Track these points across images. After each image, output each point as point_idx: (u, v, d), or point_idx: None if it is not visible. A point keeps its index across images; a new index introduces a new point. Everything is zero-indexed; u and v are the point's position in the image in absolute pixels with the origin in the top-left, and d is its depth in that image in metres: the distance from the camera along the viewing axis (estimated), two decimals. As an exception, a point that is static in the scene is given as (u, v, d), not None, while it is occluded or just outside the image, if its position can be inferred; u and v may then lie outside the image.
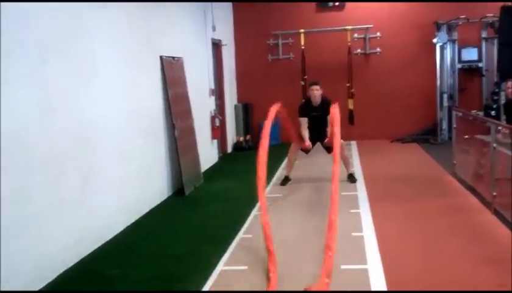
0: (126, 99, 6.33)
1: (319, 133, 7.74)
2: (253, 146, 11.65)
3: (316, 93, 7.78)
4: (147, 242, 5.66)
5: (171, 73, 7.71)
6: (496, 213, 5.82)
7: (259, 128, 12.29)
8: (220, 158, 10.57)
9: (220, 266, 4.73)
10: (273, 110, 6.81)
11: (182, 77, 8.23)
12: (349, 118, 11.57)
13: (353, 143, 11.58)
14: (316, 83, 7.87)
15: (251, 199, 6.96)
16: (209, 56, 10.09)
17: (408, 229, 5.65)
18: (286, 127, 8.25)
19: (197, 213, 6.74)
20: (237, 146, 11.65)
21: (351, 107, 11.60)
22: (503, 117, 7.00)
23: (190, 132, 8.28)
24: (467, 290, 4.02)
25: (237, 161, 10.54)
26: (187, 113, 8.21)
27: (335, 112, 7.02)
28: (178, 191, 7.73)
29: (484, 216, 5.92)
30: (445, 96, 11.41)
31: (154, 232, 6.02)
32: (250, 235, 5.58)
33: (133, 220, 6.33)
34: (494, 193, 5.88)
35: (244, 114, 12.13)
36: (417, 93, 11.96)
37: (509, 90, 6.41)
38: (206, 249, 5.25)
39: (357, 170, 8.72)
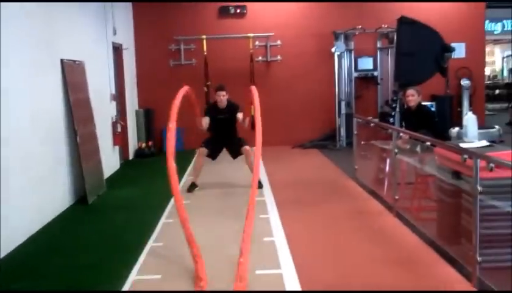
0: (24, 103, 5.98)
1: (225, 136, 7.76)
2: (156, 152, 11.50)
3: (223, 98, 7.82)
4: (52, 253, 5.38)
5: (72, 77, 7.41)
6: (398, 215, 6.08)
7: (162, 134, 12.19)
8: (122, 165, 10.29)
9: (133, 276, 4.59)
10: (181, 92, 6.53)
11: (84, 82, 7.94)
12: (251, 124, 11.65)
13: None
14: (221, 89, 7.89)
15: (157, 207, 6.86)
16: (110, 60, 9.80)
17: (317, 233, 5.78)
18: (194, 112, 8.04)
19: (103, 222, 6.50)
20: (139, 153, 11.39)
21: (253, 113, 11.68)
22: (399, 124, 7.34)
23: (92, 138, 7.99)
24: (384, 290, 4.17)
25: (140, 168, 10.31)
26: (89, 118, 7.92)
27: (255, 94, 6.86)
28: (80, 199, 7.42)
29: (387, 219, 6.17)
30: (343, 103, 11.82)
31: (58, 243, 5.74)
32: (160, 244, 5.46)
33: (34, 231, 5.98)
34: (396, 197, 6.15)
35: (146, 120, 11.89)
36: (317, 100, 12.30)
37: (409, 98, 6.73)
38: (116, 259, 5.08)
39: (262, 175, 8.80)
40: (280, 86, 12.30)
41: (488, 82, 23.72)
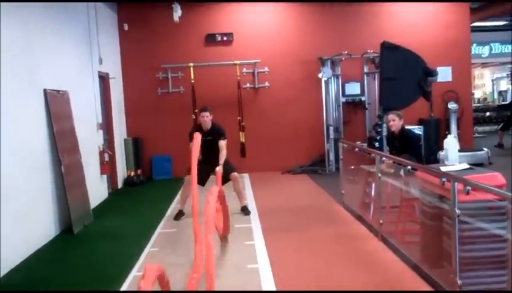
0: (6, 134, 5.94)
1: (212, 159, 7.66)
2: (145, 181, 11.47)
3: (206, 119, 7.81)
4: (34, 285, 5.32)
5: (56, 107, 7.41)
6: (383, 240, 6.06)
7: (151, 162, 12.20)
8: (110, 194, 10.23)
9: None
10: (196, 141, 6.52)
11: (68, 111, 7.94)
12: (241, 151, 11.70)
13: (246, 176, 11.68)
14: (205, 110, 7.89)
15: (143, 236, 6.82)
16: (97, 89, 9.82)
17: (302, 259, 5.75)
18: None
19: (87, 253, 6.44)
20: (128, 181, 11.35)
21: (242, 140, 11.74)
22: (387, 148, 7.36)
23: (78, 167, 7.97)
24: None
25: (128, 197, 10.25)
26: (74, 148, 7.90)
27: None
28: (66, 230, 7.36)
29: (372, 243, 6.14)
30: (331, 128, 11.84)
31: (42, 274, 5.67)
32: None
33: (17, 263, 5.93)
34: (381, 221, 6.13)
35: (135, 148, 11.88)
36: (305, 125, 12.34)
37: (390, 123, 6.77)
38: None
39: (250, 201, 8.79)
40: (268, 112, 12.34)
41: (478, 104, 23.91)
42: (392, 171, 6.23)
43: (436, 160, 9.42)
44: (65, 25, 8.43)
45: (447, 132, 12.33)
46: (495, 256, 4.20)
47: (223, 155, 7.56)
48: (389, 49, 8.89)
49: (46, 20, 7.60)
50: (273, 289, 4.76)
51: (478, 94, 26.57)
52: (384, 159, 6.20)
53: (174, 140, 11.51)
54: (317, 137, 12.16)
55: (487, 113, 22.10)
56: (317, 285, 4.87)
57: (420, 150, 6.81)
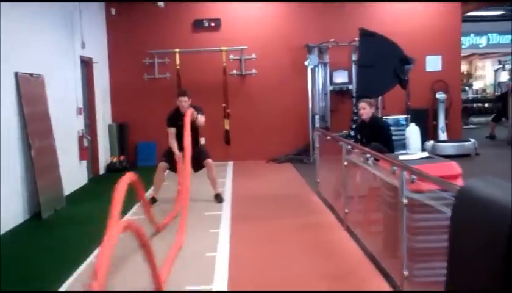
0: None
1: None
2: (128, 167, 11.38)
3: (184, 104, 7.69)
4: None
5: (28, 91, 7.33)
6: (348, 229, 5.97)
7: (136, 148, 12.12)
8: (90, 180, 10.16)
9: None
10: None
11: (42, 95, 7.86)
12: (225, 138, 11.61)
13: (230, 164, 11.61)
14: (183, 94, 7.79)
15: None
16: (78, 74, 9.74)
17: (264, 248, 5.67)
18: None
19: (50, 237, 6.40)
20: (111, 167, 11.28)
21: (227, 127, 11.65)
22: (355, 137, 7.26)
23: (50, 152, 7.90)
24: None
25: (108, 183, 9.97)
26: (47, 132, 7.83)
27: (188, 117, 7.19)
28: (35, 215, 7.31)
29: (337, 233, 6.06)
30: (317, 117, 11.71)
31: (3, 258, 5.62)
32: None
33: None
34: (346, 211, 6.05)
35: (119, 134, 11.80)
36: (292, 114, 12.22)
37: (361, 111, 6.66)
38: (51, 273, 5.00)
39: (227, 189, 8.72)
40: (255, 100, 12.23)
41: (476, 95, 23.70)
42: (361, 160, 6.12)
43: (422, 150, 9.31)
44: (45, 9, 8.33)
45: (434, 123, 12.22)
46: (445, 247, 4.10)
47: (201, 122, 7.62)
48: (365, 36, 8.75)
49: (23, 4, 7.50)
50: (225, 278, 4.69)
51: (479, 85, 26.33)
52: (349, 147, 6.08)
53: (160, 126, 11.24)
54: (303, 125, 12.03)
55: (486, 105, 21.92)
56: (269, 276, 4.80)
57: (390, 139, 6.68)
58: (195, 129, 7.66)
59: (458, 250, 2.73)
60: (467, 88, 23.74)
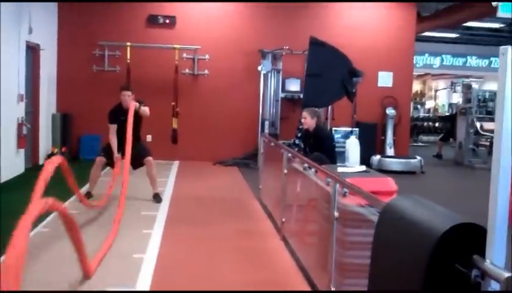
0: None
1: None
2: (69, 159, 11.02)
3: (128, 98, 7.47)
4: None
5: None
6: (284, 239, 5.87)
7: (79, 140, 11.77)
8: (28, 169, 9.79)
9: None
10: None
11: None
12: (172, 137, 11.40)
13: (176, 163, 11.41)
14: (126, 89, 7.60)
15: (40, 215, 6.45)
16: (22, 60, 9.36)
17: (194, 252, 5.51)
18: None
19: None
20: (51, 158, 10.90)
21: (175, 126, 11.44)
22: (301, 145, 7.20)
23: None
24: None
25: (46, 173, 9.82)
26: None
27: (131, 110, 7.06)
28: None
29: (273, 242, 5.94)
30: (266, 123, 11.66)
31: None
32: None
33: None
34: (283, 219, 5.95)
35: (63, 124, 11.43)
36: (242, 118, 12.11)
37: (303, 120, 6.60)
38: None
39: (168, 190, 8.53)
40: (205, 101, 12.06)
41: (428, 114, 24.13)
42: (302, 169, 6.04)
43: (368, 164, 9.33)
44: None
45: (382, 138, 12.31)
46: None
47: (145, 112, 7.44)
48: (315, 44, 8.70)
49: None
50: (149, 281, 4.51)
51: (430, 104, 26.86)
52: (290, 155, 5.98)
53: (106, 120, 11.10)
54: (253, 130, 11.93)
55: (436, 124, 22.33)
56: (196, 278, 4.67)
57: (333, 150, 6.63)
58: (137, 124, 7.43)
59: (378, 267, 2.64)
60: (419, 106, 24.19)
